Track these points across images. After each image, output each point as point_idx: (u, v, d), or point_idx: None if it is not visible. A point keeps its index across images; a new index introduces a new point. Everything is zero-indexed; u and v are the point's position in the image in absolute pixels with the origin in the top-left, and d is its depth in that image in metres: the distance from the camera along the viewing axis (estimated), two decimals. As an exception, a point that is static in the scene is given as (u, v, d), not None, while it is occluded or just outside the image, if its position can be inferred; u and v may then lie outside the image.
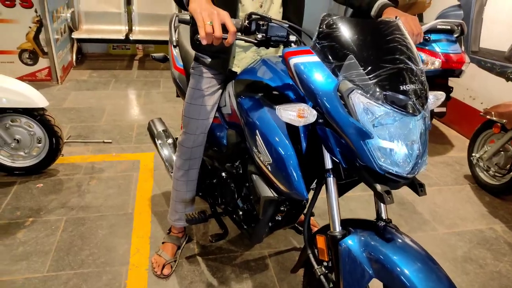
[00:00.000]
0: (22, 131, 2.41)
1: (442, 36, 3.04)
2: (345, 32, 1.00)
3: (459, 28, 3.05)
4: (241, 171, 1.55)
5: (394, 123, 0.94)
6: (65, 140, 2.88)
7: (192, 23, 1.04)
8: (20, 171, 2.48)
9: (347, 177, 1.14)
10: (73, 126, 3.24)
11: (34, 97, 2.33)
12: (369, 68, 0.95)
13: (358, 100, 0.93)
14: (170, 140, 2.20)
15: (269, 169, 1.21)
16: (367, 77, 0.94)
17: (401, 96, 0.93)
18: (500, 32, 3.14)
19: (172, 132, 2.32)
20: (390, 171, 0.94)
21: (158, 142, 2.19)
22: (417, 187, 1.04)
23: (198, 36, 1.01)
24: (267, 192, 1.28)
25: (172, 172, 1.96)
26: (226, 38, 1.02)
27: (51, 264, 1.81)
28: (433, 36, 3.04)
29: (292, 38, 1.16)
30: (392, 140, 0.94)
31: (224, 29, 1.01)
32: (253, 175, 1.34)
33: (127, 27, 4.97)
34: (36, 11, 3.86)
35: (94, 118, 3.43)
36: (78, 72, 4.61)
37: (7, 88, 2.26)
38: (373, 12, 1.37)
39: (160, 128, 2.26)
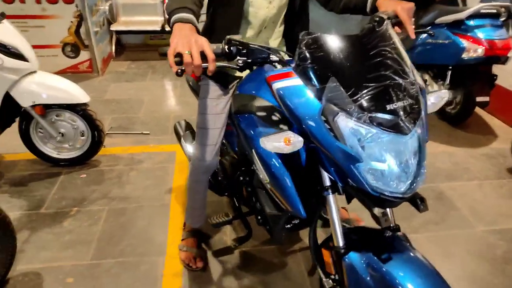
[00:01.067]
0: (66, 125, 2.55)
1: (487, 21, 2.88)
2: (325, 51, 0.96)
3: (506, 11, 2.87)
4: (253, 177, 1.55)
5: (384, 143, 0.90)
6: (107, 132, 3.02)
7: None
8: (65, 162, 2.63)
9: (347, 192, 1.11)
10: (115, 117, 3.38)
11: (76, 93, 2.46)
12: (352, 89, 0.91)
13: (344, 123, 0.90)
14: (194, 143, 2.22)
15: (269, 186, 1.22)
16: (350, 99, 0.91)
17: (388, 116, 0.90)
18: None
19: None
20: (384, 192, 0.91)
21: (183, 145, 2.20)
22: (418, 203, 1.00)
23: (179, 70, 0.97)
24: (271, 208, 1.29)
25: None
26: (207, 67, 0.99)
27: (94, 253, 1.93)
28: (476, 21, 2.88)
29: (274, 57, 1.10)
30: (384, 161, 0.90)
31: (204, 57, 0.98)
32: (258, 189, 1.35)
33: (163, 18, 5.06)
34: (76, 6, 4.02)
35: (133, 109, 3.56)
36: (118, 64, 4.77)
37: (51, 85, 2.39)
38: (368, 8, 1.31)
39: (185, 130, 2.27)
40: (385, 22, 1.06)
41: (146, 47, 5.43)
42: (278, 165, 1.13)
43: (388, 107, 0.90)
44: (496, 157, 2.90)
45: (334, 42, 0.98)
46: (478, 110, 3.50)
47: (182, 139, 2.26)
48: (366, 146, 0.90)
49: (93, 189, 2.43)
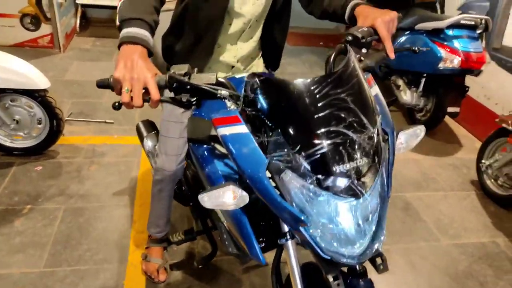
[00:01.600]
0: (22, 112, 2.34)
1: (465, 32, 2.89)
2: (273, 98, 0.87)
3: (484, 23, 2.89)
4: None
5: (334, 206, 0.82)
6: (67, 118, 2.81)
7: (110, 86, 0.89)
8: (19, 151, 2.42)
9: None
10: (75, 102, 3.16)
11: (35, 78, 2.24)
12: (299, 146, 0.83)
13: (290, 182, 0.83)
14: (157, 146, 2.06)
15: (226, 226, 1.14)
16: (297, 156, 0.82)
17: (337, 179, 0.82)
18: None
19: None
20: (337, 255, 0.83)
21: (146, 148, 2.03)
22: (376, 263, 0.92)
23: (116, 103, 0.87)
24: (232, 248, 1.20)
25: None
26: (149, 103, 0.87)
27: (48, 259, 1.79)
28: (455, 32, 2.88)
29: (224, 92, 0.92)
30: (335, 223, 0.82)
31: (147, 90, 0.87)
32: (220, 223, 1.26)
33: (133, -7, 4.75)
34: (39, -27, 3.68)
35: (97, 93, 3.33)
36: (82, 40, 4.46)
37: (7, 67, 2.17)
38: (345, 16, 1.20)
39: (147, 131, 2.03)
40: (348, 54, 0.95)
41: (113, 22, 5.07)
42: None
43: (338, 169, 0.81)
44: (461, 167, 2.97)
45: (283, 88, 0.88)
46: (446, 118, 3.56)
47: (144, 140, 2.04)
48: (316, 206, 0.82)
49: (49, 184, 2.25)
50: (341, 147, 0.82)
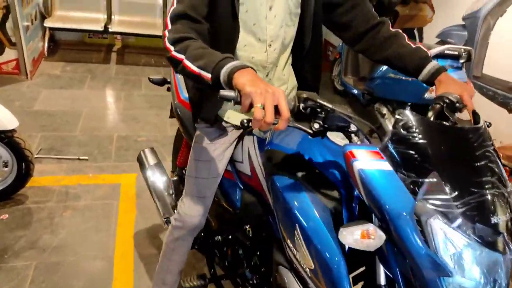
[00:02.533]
0: (-16, 154, 2.11)
1: (448, 61, 2.89)
2: (427, 139, 0.84)
3: (466, 54, 2.91)
4: (252, 240, 1.36)
5: (478, 258, 0.79)
6: (36, 155, 2.58)
7: (237, 102, 0.85)
8: (-19, 198, 2.18)
9: None
10: (45, 135, 2.92)
11: (1, 118, 2.03)
12: (456, 192, 0.80)
13: (439, 228, 0.79)
14: (163, 177, 1.93)
15: (309, 273, 1.02)
16: (453, 203, 0.79)
17: (491, 231, 0.80)
18: (505, 60, 3.02)
19: (163, 158, 2.04)
20: None
21: (150, 180, 1.92)
22: None
23: (244, 120, 0.88)
24: None
25: (165, 218, 1.73)
26: (276, 123, 0.83)
27: (18, 331, 1.57)
28: (439, 61, 2.86)
29: (353, 128, 0.96)
30: (473, 278, 0.79)
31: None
32: (281, 268, 1.14)
33: (105, 16, 4.57)
34: (3, -4, 3.44)
35: (69, 125, 3.11)
36: (50, 65, 4.20)
37: (-33, 107, 1.94)
38: (421, 77, 1.17)
39: (152, 161, 1.98)
40: (482, 122, 0.95)
41: (84, 45, 4.88)
42: (333, 246, 0.96)
43: (492, 220, 0.80)
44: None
45: (437, 130, 0.88)
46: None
47: (147, 173, 1.93)
48: (457, 258, 0.79)
49: (18, 235, 2.02)
50: (495, 199, 0.82)
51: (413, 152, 0.83)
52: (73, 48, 4.74)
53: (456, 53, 2.87)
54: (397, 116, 0.87)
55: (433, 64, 1.15)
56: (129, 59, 4.72)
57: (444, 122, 0.94)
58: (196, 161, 1.37)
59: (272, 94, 0.81)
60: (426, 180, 0.81)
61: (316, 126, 0.93)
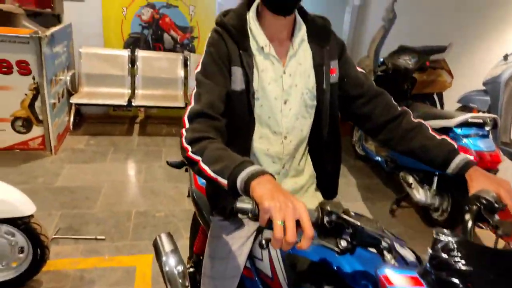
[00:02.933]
0: (0, 241, 2.07)
1: (473, 130, 2.80)
2: (472, 265, 0.74)
3: (492, 121, 2.82)
4: None
5: None
6: (54, 236, 2.56)
7: (255, 215, 0.79)
8: (-6, 286, 2.11)
9: None
10: (64, 214, 2.90)
11: (19, 205, 2.02)
12: None
13: None
14: (179, 267, 1.81)
15: None
16: None
17: None
18: (535, 126, 2.90)
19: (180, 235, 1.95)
20: None
21: (165, 269, 1.81)
22: None
23: (263, 240, 0.79)
24: None
25: None
26: (298, 241, 0.75)
27: None
28: (464, 130, 2.79)
29: (385, 244, 0.86)
30: None
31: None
32: None
33: (129, 90, 4.75)
34: (33, 78, 3.63)
35: (89, 201, 3.10)
36: (75, 139, 4.32)
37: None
38: (450, 171, 1.10)
39: (168, 247, 1.85)
40: None
41: (109, 118, 5.04)
42: None
43: None
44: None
45: (481, 253, 0.79)
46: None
47: (163, 261, 1.80)
48: None
49: (28, 329, 1.92)
50: None
51: (457, 282, 0.73)
52: (98, 121, 4.90)
53: (481, 121, 2.78)
54: (435, 236, 0.78)
55: (461, 157, 1.10)
56: (151, 130, 4.83)
57: (488, 246, 0.84)
58: (212, 259, 1.28)
59: (293, 209, 0.75)
60: None
61: (344, 243, 0.83)
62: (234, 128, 1.15)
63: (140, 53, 4.76)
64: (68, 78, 4.41)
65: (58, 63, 4.03)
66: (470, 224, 0.93)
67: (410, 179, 3.17)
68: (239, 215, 1.26)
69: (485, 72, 3.28)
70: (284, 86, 1.18)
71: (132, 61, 4.74)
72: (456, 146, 1.13)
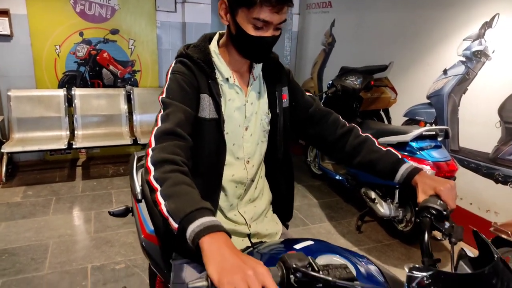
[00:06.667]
0: None
1: (427, 142, 2.91)
2: None
3: (444, 132, 2.96)
4: None
5: None
6: (-4, 311, 2.17)
7: None
8: None
9: None
10: (7, 282, 2.51)
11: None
12: None
13: None
14: None
15: None
16: None
17: None
18: (478, 133, 3.09)
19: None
20: None
21: None
22: None
23: None
24: None
25: None
26: None
27: None
28: (419, 143, 2.90)
29: None
30: None
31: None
32: None
33: (68, 132, 4.39)
34: (-44, 129, 3.20)
35: (35, 263, 2.73)
36: (9, 192, 3.85)
37: None
38: (397, 180, 1.16)
39: None
40: (492, 249, 0.86)
41: (46, 164, 4.60)
42: None
43: None
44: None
45: (455, 283, 0.80)
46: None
47: None
48: None
49: None
50: None
51: None
52: (34, 168, 4.45)
53: (434, 133, 2.91)
54: (408, 273, 0.77)
55: (406, 166, 1.15)
56: (95, 172, 4.47)
57: (459, 273, 0.86)
58: None
59: (256, 276, 0.68)
60: None
61: None
62: (205, 157, 1.17)
63: (77, 91, 4.45)
64: (-3, 125, 3.97)
65: (-16, 109, 3.61)
66: (426, 237, 0.96)
67: (373, 194, 3.21)
68: None
69: (427, 86, 3.48)
70: (247, 114, 1.23)
71: (69, 100, 4.41)
72: (400, 156, 1.19)
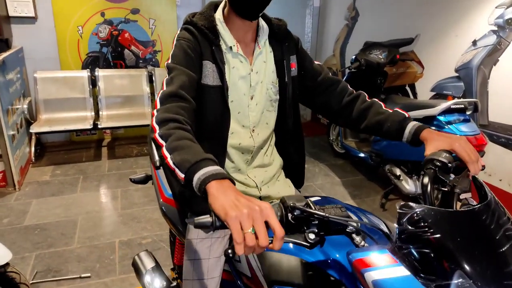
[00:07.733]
0: (-28, 296, 1.80)
1: (456, 115, 2.81)
2: (439, 232, 0.76)
3: (473, 105, 2.85)
4: None
5: None
6: (32, 281, 2.28)
7: (217, 227, 0.74)
8: None
9: None
10: (40, 254, 2.62)
11: (-10, 253, 1.76)
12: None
13: None
14: (163, 283, 1.71)
15: None
16: None
17: None
18: (509, 106, 2.96)
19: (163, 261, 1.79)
20: None
21: (149, 287, 1.70)
22: None
23: (230, 251, 0.72)
24: None
25: None
26: (270, 243, 0.72)
27: None
28: (447, 117, 2.80)
29: (352, 228, 0.85)
30: None
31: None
32: None
33: (93, 113, 4.47)
34: (-13, 111, 3.30)
35: (65, 238, 2.83)
36: (39, 171, 3.98)
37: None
38: (405, 139, 1.15)
39: (149, 265, 1.78)
40: (488, 191, 0.87)
41: (72, 145, 4.72)
42: None
43: None
44: None
45: (445, 219, 0.79)
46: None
47: (145, 280, 1.74)
48: None
49: None
50: None
51: (428, 251, 0.74)
52: (61, 149, 4.57)
53: (462, 106, 2.81)
54: (398, 210, 0.80)
55: (413, 123, 1.15)
56: (120, 152, 4.56)
57: (450, 209, 0.85)
58: (191, 262, 1.25)
59: (260, 212, 0.71)
60: (453, 281, 0.70)
61: (312, 236, 0.82)
62: (209, 124, 1.20)
63: (101, 73, 4.50)
64: (25, 106, 4.08)
65: (12, 91, 3.71)
66: (429, 188, 0.95)
67: (398, 171, 3.15)
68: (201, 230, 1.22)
69: (455, 59, 3.35)
70: (252, 83, 1.25)
71: (93, 81, 4.47)
72: (407, 115, 1.18)
